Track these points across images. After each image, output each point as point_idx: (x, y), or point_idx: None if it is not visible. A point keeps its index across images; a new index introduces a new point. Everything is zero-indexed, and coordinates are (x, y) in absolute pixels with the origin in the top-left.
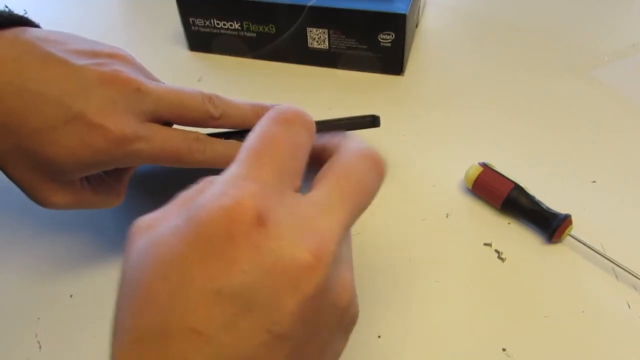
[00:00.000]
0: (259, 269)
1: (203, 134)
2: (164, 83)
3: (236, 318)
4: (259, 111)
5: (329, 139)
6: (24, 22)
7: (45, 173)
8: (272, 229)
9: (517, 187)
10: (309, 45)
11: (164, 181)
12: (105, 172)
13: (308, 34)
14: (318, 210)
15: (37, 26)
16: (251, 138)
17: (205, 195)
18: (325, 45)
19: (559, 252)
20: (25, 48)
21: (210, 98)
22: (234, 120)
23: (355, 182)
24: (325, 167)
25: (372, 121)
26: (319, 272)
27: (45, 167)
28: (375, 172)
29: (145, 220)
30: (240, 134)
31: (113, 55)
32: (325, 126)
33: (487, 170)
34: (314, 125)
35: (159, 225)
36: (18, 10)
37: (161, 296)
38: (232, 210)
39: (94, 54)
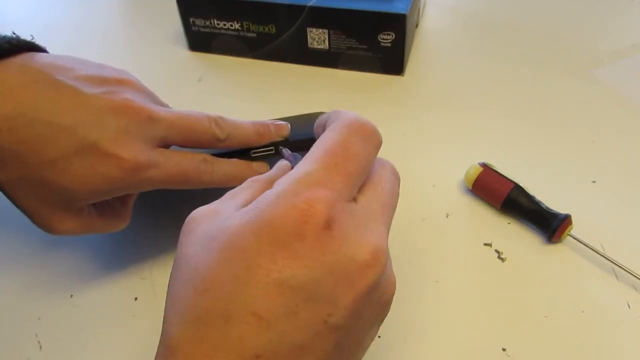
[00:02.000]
0: (323, 266)
1: (209, 155)
2: (169, 106)
3: (297, 308)
4: (260, 129)
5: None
6: (31, 47)
7: (54, 201)
8: (337, 232)
9: (517, 187)
10: (309, 45)
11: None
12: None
13: (308, 34)
14: (370, 216)
15: (44, 50)
16: (330, 141)
17: (278, 192)
18: (325, 46)
19: (559, 252)
20: (35, 76)
21: (216, 121)
22: (238, 140)
23: (389, 191)
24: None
25: None
26: (375, 270)
27: (56, 195)
28: (397, 181)
29: (203, 211)
30: (241, 152)
31: (122, 82)
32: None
33: (487, 170)
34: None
35: (222, 215)
36: (25, 35)
37: (226, 280)
38: (305, 212)
39: (103, 81)
